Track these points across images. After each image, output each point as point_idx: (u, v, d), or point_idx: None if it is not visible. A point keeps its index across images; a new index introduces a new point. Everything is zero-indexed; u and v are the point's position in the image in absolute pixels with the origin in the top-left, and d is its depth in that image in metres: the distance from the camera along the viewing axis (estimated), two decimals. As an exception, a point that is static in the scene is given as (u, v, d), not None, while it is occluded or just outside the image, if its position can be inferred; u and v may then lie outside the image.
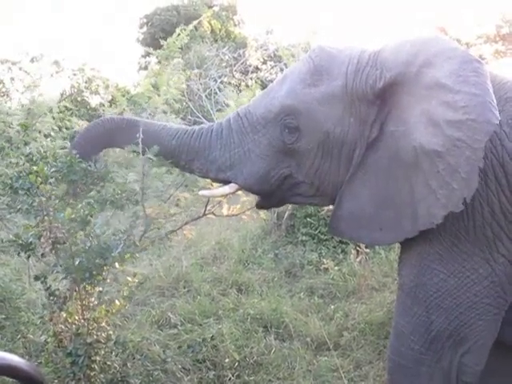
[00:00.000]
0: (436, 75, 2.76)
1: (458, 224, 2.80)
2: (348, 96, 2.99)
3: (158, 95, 6.89)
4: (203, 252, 7.13)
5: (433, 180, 2.72)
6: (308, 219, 7.25)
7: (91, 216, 3.25)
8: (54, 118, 6.34)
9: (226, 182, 3.36)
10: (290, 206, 7.45)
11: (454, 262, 2.82)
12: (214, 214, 4.27)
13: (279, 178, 3.19)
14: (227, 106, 8.10)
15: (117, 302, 3.67)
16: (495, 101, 2.61)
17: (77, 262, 3.21)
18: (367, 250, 6.23)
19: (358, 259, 6.24)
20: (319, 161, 3.09)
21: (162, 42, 11.08)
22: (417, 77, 2.83)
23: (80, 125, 4.19)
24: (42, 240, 3.14)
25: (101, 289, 3.57)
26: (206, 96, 11.04)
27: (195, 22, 12.49)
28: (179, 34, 10.70)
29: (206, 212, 4.18)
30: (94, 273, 3.29)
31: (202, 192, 3.53)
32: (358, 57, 3.05)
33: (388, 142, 2.89)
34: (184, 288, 6.02)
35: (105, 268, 3.36)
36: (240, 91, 10.32)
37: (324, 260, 6.30)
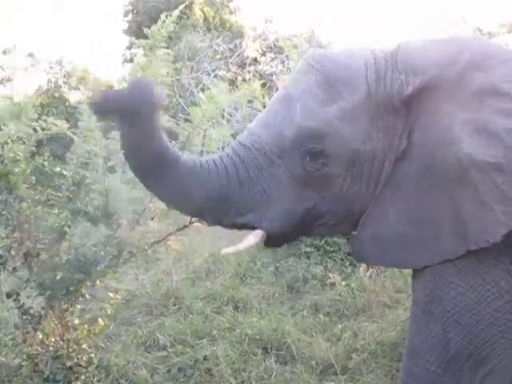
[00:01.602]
0: (490, 80, 2.76)
1: None
2: (373, 107, 2.93)
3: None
4: (195, 265, 7.13)
5: (487, 195, 2.70)
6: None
7: (68, 227, 3.24)
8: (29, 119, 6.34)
9: (244, 228, 3.14)
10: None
11: (473, 274, 2.83)
12: (202, 223, 4.28)
13: (303, 214, 3.03)
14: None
15: (100, 321, 3.66)
16: None
17: (58, 277, 3.20)
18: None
19: (368, 273, 6.24)
20: (348, 184, 3.00)
21: (146, 30, 11.09)
22: (460, 81, 2.81)
23: (58, 125, 4.16)
24: (13, 253, 3.13)
25: (81, 307, 3.57)
26: (198, 92, 11.04)
27: (182, 6, 12.43)
28: (164, 21, 10.70)
29: (193, 220, 4.17)
30: (72, 289, 3.28)
31: (225, 250, 3.29)
32: (374, 61, 2.98)
33: (419, 153, 2.87)
34: (174, 305, 6.01)
35: (84, 284, 3.35)
36: (236, 86, 10.35)
37: (330, 274, 6.30)
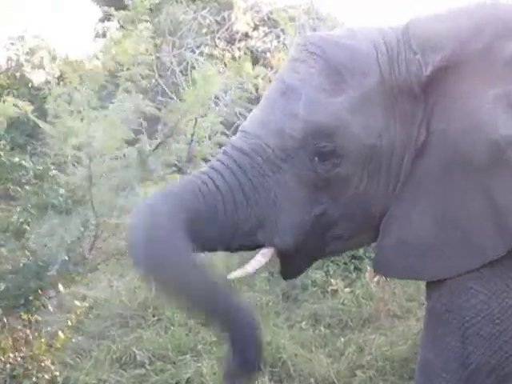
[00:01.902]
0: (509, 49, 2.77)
1: None
2: (387, 94, 2.91)
3: (121, 70, 6.89)
4: (178, 270, 7.09)
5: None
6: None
7: (28, 225, 3.22)
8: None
9: (253, 248, 3.07)
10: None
11: (496, 279, 2.84)
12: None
13: (314, 222, 2.97)
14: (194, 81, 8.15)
15: (60, 334, 3.64)
16: None
17: (2, 287, 3.18)
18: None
19: (375, 279, 6.26)
20: (365, 185, 2.97)
21: (127, 0, 11.05)
22: (487, 53, 2.81)
23: (20, 107, 4.16)
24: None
25: (44, 318, 3.55)
26: (180, 71, 11.02)
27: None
28: (148, -10, 10.68)
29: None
30: (31, 298, 3.27)
31: (233, 275, 3.08)
32: (383, 41, 2.96)
33: (440, 143, 2.87)
34: (153, 316, 6.04)
35: (45, 292, 3.34)
36: (224, 65, 10.34)
37: (332, 280, 6.32)
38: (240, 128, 3.10)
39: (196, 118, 4.37)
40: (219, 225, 2.85)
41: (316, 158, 2.89)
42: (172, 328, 5.72)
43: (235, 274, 3.06)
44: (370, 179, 2.96)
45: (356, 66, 2.91)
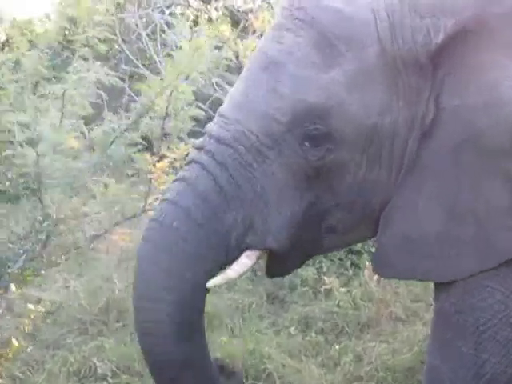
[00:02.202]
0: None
1: None
2: (389, 67, 2.88)
3: (76, 33, 6.77)
4: (146, 268, 7.08)
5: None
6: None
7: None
8: None
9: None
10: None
11: None
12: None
13: (304, 213, 2.98)
14: (180, 49, 8.07)
15: (14, 341, 3.63)
16: None
17: None
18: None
19: (375, 277, 6.26)
20: (364, 172, 2.97)
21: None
22: (508, 18, 2.79)
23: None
24: None
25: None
26: (148, 35, 10.94)
27: None
28: None
29: (147, 207, 4.16)
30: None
31: (212, 282, 3.06)
32: (384, 6, 2.90)
33: (452, 122, 2.86)
34: (117, 322, 6.02)
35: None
36: (197, 26, 10.27)
37: (326, 278, 6.31)
38: (218, 111, 3.05)
39: (172, 91, 4.33)
40: (205, 247, 2.87)
41: (306, 143, 2.87)
42: (139, 335, 5.66)
43: (215, 282, 3.05)
44: (370, 165, 2.95)
45: (351, 34, 2.87)
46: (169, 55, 9.17)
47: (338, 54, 2.84)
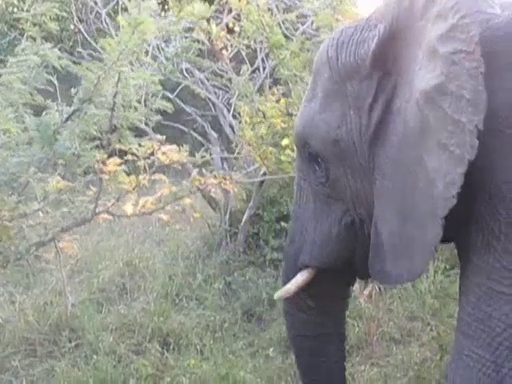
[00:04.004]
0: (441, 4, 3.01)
1: None
2: (337, 83, 3.48)
3: (23, 10, 6.70)
4: (102, 280, 7.10)
5: (442, 131, 2.92)
6: (283, 224, 7.25)
7: None
8: None
9: None
10: (251, 202, 7.45)
11: None
12: (112, 214, 4.24)
13: (340, 232, 3.68)
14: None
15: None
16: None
17: None
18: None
19: (366, 292, 6.27)
20: (353, 184, 3.55)
21: None
22: (421, 15, 3.11)
23: None
24: None
25: None
26: (108, 14, 10.91)
27: None
28: None
29: (98, 210, 4.14)
30: None
31: (276, 295, 4.01)
32: (340, 32, 3.56)
33: (395, 123, 3.21)
34: (70, 341, 5.99)
35: None
36: (167, 6, 10.24)
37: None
38: None
39: (119, 73, 4.29)
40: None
41: (315, 167, 3.67)
42: (95, 357, 5.66)
43: (278, 294, 3.97)
44: (354, 176, 3.52)
45: (317, 67, 3.67)
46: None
47: (315, 87, 3.66)
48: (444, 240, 3.08)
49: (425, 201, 3.03)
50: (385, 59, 3.25)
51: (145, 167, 4.62)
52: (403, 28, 3.19)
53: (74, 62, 5.03)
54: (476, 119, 2.82)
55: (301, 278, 3.82)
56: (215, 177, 5.21)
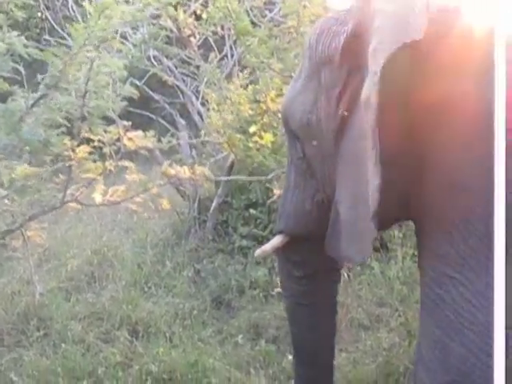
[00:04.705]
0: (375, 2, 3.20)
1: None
2: (314, 70, 3.61)
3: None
4: (71, 269, 7.07)
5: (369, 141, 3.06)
6: (252, 211, 7.25)
7: None
8: None
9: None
10: (220, 189, 7.44)
11: (479, 268, 3.00)
12: (81, 203, 4.22)
13: (312, 206, 3.87)
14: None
15: None
16: (422, 20, 3.02)
17: None
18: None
19: (334, 277, 6.28)
20: (322, 165, 3.69)
21: None
22: (372, 16, 3.20)
23: None
24: None
25: None
26: (75, 1, 10.83)
27: None
28: None
29: (67, 199, 4.12)
30: None
31: (256, 253, 4.33)
32: (324, 20, 3.69)
33: (357, 116, 3.28)
34: (38, 330, 5.96)
35: None
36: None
37: (278, 280, 6.30)
38: None
39: (92, 61, 4.27)
40: None
41: (295, 143, 3.83)
42: (63, 346, 5.64)
43: (257, 253, 4.27)
44: (323, 159, 3.67)
45: (305, 49, 3.77)
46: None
47: (301, 68, 3.81)
48: (407, 218, 3.56)
49: (362, 198, 3.15)
50: (354, 53, 3.32)
51: (111, 153, 4.59)
52: (367, 29, 3.24)
53: (41, 50, 4.98)
54: (374, 140, 2.99)
55: (276, 241, 4.05)
56: (184, 171, 5.18)
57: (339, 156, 3.47)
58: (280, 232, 4.05)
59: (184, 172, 5.17)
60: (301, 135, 3.75)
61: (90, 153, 4.54)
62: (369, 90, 3.07)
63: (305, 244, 3.91)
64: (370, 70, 3.06)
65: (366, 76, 3.17)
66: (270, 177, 6.27)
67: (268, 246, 4.15)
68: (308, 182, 3.85)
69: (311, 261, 3.97)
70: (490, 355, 2.83)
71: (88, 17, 4.51)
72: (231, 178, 7.13)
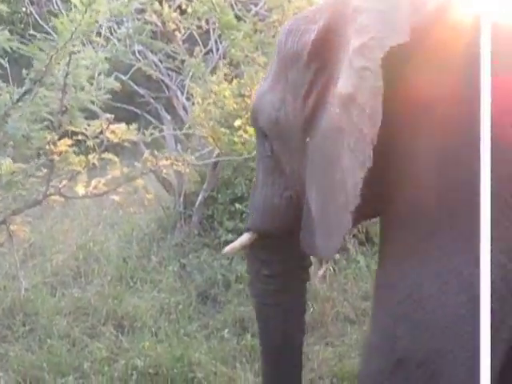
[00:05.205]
0: (352, 2, 3.29)
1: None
2: (282, 68, 3.71)
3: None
4: (56, 264, 7.06)
5: (351, 136, 3.18)
6: (237, 206, 7.24)
7: None
8: None
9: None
10: (205, 184, 7.43)
11: (431, 259, 3.16)
12: (64, 196, 4.20)
13: (281, 203, 3.92)
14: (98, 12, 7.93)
15: None
16: (407, 21, 3.10)
17: None
18: (337, 257, 6.30)
19: (320, 272, 6.29)
20: (291, 163, 3.76)
21: None
22: (345, 11, 3.33)
23: None
24: None
25: None
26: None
27: None
28: None
29: (50, 192, 4.11)
30: None
31: (224, 250, 4.47)
32: (294, 19, 3.87)
33: (324, 115, 3.39)
34: (24, 325, 5.96)
35: None
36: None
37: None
38: None
39: (70, 54, 4.25)
40: None
41: (264, 140, 3.90)
42: (49, 341, 5.64)
43: (225, 250, 4.38)
44: (291, 157, 3.76)
45: (275, 47, 3.89)
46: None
47: (271, 67, 3.93)
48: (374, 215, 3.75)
49: (339, 192, 3.25)
50: (321, 53, 3.42)
51: (94, 146, 4.57)
52: (337, 29, 3.35)
53: (26, 45, 4.95)
54: (372, 133, 3.09)
55: (244, 238, 4.11)
56: (166, 158, 5.16)
57: (308, 153, 3.53)
58: (248, 230, 4.12)
59: (166, 159, 5.14)
60: (269, 133, 3.81)
61: (72, 145, 4.51)
62: (352, 87, 3.16)
63: (273, 241, 3.95)
64: (355, 66, 3.14)
65: (335, 74, 3.32)
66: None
67: (237, 244, 4.20)
68: (276, 179, 3.90)
69: (279, 259, 4.01)
70: (433, 338, 3.12)
71: (73, 10, 4.47)
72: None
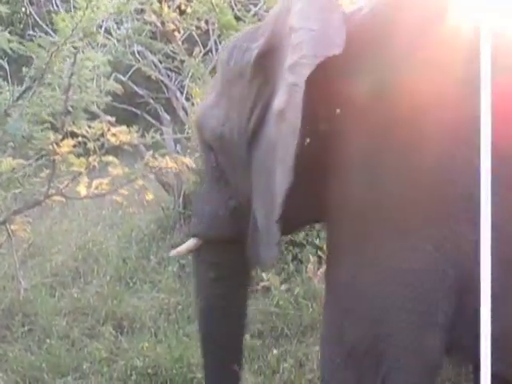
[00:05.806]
0: (289, 20, 3.40)
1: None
2: (225, 84, 3.85)
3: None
4: (55, 264, 7.05)
5: (281, 149, 3.31)
6: (236, 206, 7.24)
7: None
8: None
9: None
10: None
11: (367, 251, 3.43)
12: (65, 196, 4.19)
13: (225, 212, 3.99)
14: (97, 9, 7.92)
15: None
16: (341, 36, 3.24)
17: None
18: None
19: (319, 272, 6.26)
20: (235, 175, 3.88)
21: None
22: (284, 29, 3.44)
23: None
24: None
25: None
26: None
27: None
28: None
29: (51, 192, 4.10)
30: None
31: (171, 253, 4.62)
32: (238, 35, 4.05)
33: (266, 129, 3.53)
34: (23, 326, 5.95)
35: None
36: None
37: (263, 274, 6.29)
38: None
39: (75, 54, 4.24)
40: None
41: (209, 152, 3.98)
42: (48, 341, 5.63)
43: (172, 252, 4.54)
44: (235, 169, 3.86)
45: (219, 62, 4.03)
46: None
47: (215, 81, 4.09)
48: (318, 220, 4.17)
49: (273, 205, 3.37)
50: (264, 69, 3.55)
51: (95, 149, 4.56)
52: (278, 45, 3.47)
53: (22, 44, 4.94)
54: (292, 148, 3.22)
55: (190, 243, 4.17)
56: (166, 162, 5.17)
57: (252, 167, 3.66)
58: (194, 236, 4.17)
59: (166, 163, 5.14)
60: (214, 146, 3.90)
61: (74, 146, 4.51)
62: (284, 103, 3.27)
63: (219, 245, 4.03)
64: (287, 83, 3.26)
65: (277, 90, 3.41)
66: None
67: (183, 248, 4.29)
68: (222, 188, 3.98)
69: (225, 262, 4.06)
70: (377, 326, 3.40)
71: (73, 9, 4.48)
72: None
